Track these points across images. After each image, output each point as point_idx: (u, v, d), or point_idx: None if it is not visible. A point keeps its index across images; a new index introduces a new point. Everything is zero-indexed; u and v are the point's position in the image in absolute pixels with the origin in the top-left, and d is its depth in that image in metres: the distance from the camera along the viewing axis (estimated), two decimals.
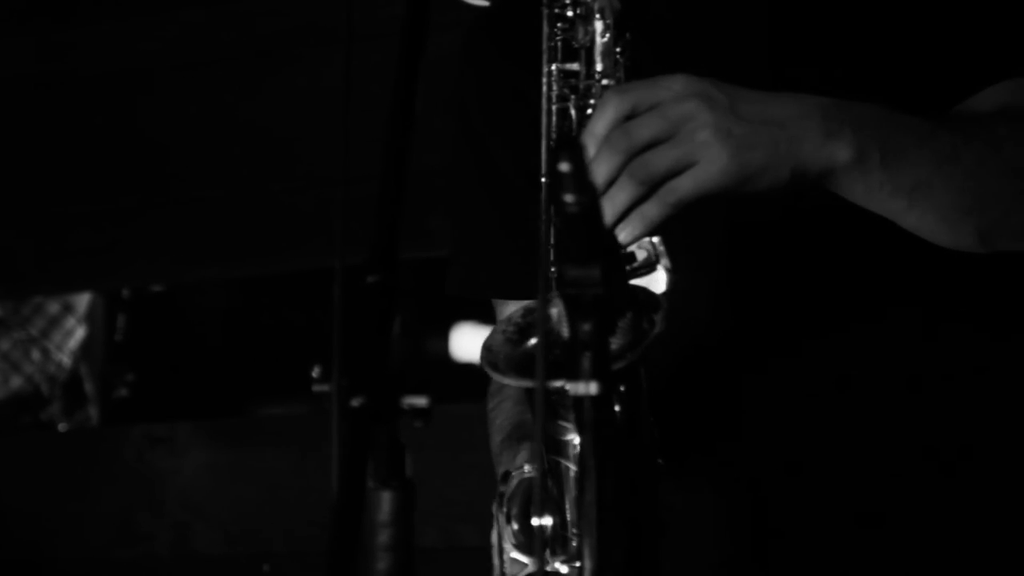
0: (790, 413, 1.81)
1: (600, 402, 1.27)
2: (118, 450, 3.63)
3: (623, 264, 1.33)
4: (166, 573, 3.56)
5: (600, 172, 1.55)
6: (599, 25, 1.69)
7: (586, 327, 1.28)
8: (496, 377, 1.61)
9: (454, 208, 2.12)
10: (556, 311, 1.59)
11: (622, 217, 1.56)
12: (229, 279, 4.16)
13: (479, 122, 2.02)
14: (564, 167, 1.21)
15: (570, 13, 1.70)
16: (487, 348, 1.62)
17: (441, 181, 2.78)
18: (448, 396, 3.15)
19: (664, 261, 1.60)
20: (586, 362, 1.27)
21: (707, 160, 1.56)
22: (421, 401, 1.21)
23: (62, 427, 4.24)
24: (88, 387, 4.30)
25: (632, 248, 1.61)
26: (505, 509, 1.69)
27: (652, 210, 1.56)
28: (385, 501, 1.24)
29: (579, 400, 1.27)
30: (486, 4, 1.80)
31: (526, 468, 1.70)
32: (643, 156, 1.56)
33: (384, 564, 1.23)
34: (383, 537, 1.24)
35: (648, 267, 1.60)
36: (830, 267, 1.81)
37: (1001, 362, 1.85)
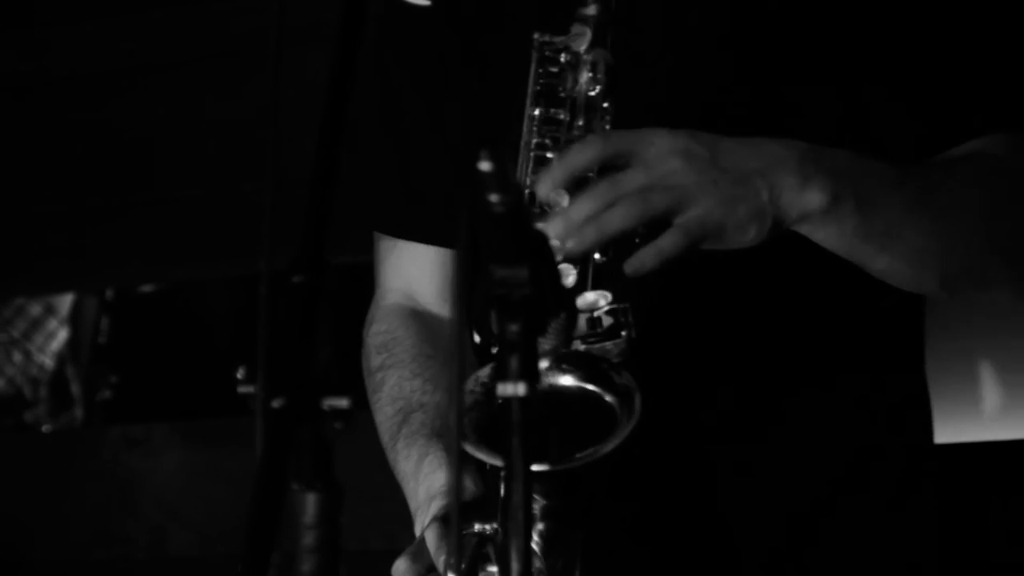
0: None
1: (528, 404, 1.26)
2: (97, 452, 3.62)
3: (553, 262, 1.31)
4: (143, 573, 3.55)
5: (581, 211, 1.54)
6: (588, 77, 1.66)
7: (514, 327, 1.27)
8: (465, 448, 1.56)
9: (355, 145, 2.10)
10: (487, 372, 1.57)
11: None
12: (208, 279, 4.15)
13: (396, 71, 2.02)
14: (486, 166, 1.20)
15: (561, 59, 1.68)
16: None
17: None
18: None
19: (632, 331, 1.58)
20: (514, 363, 1.26)
21: (699, 206, 1.56)
22: (342, 402, 1.19)
23: (46, 428, 4.24)
24: (74, 389, 4.29)
25: (599, 313, 1.59)
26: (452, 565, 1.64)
27: (667, 242, 1.56)
28: (310, 503, 1.23)
29: (507, 401, 1.26)
30: (428, 4, 1.79)
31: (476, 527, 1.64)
32: (641, 195, 1.55)
33: (308, 566, 1.22)
34: (308, 539, 1.23)
35: (613, 334, 1.59)
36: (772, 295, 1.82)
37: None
